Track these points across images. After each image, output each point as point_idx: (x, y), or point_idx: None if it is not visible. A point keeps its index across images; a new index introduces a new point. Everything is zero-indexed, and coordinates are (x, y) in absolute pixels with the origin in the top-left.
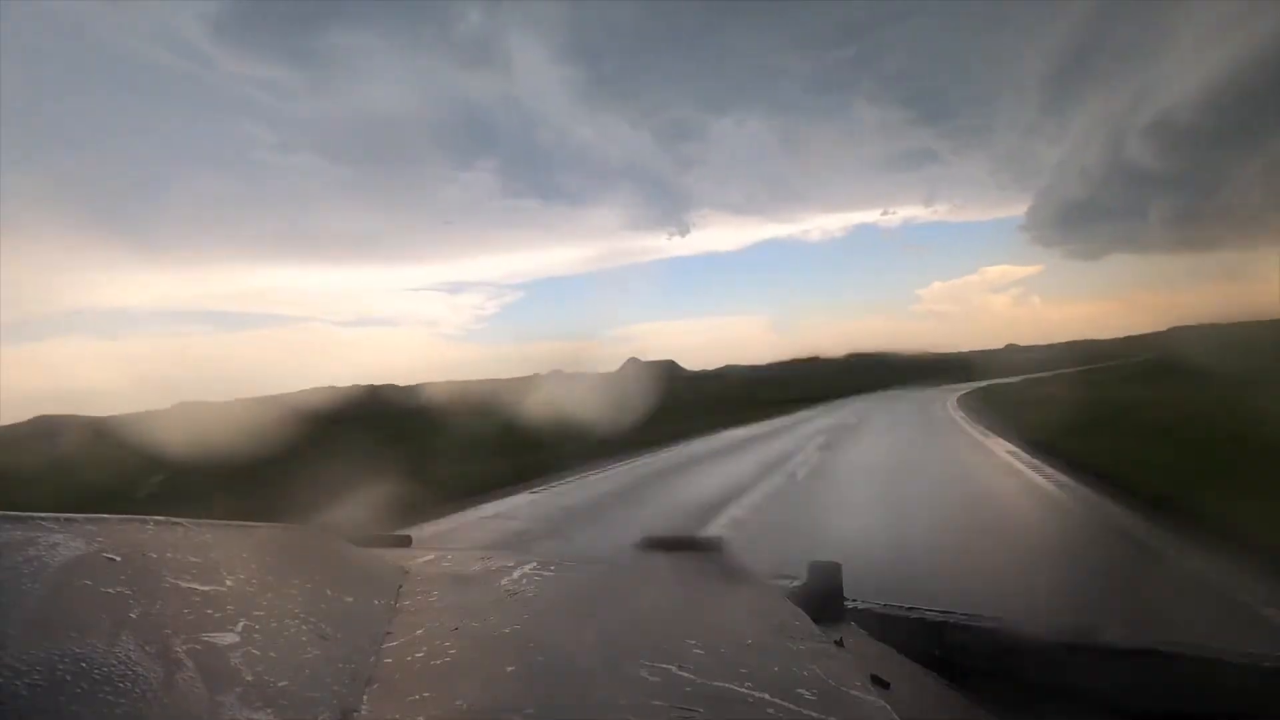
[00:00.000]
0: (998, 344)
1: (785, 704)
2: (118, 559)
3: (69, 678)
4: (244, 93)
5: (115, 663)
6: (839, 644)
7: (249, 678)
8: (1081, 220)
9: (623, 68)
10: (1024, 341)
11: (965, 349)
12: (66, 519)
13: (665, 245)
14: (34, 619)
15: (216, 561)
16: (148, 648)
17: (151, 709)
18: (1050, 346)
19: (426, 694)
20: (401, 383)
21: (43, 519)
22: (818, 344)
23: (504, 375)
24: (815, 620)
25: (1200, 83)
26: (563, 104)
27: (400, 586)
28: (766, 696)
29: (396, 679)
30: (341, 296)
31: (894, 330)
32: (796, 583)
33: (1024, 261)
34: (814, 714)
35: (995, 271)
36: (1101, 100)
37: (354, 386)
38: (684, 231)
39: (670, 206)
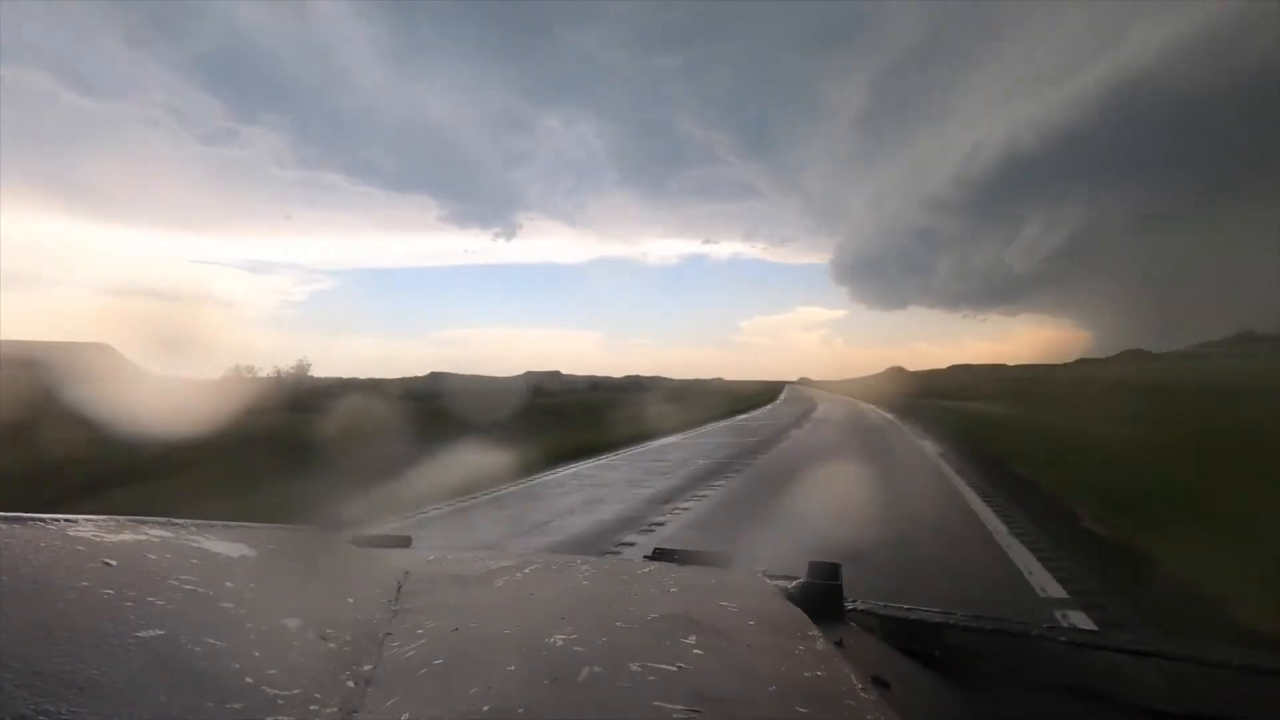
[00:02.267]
0: (793, 377)
1: (785, 704)
2: (117, 560)
3: (69, 678)
4: None
5: (115, 664)
6: (839, 644)
7: (249, 679)
8: (879, 272)
9: (440, 37)
10: (817, 376)
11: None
12: (66, 519)
13: (492, 247)
14: (34, 619)
15: (216, 562)
16: (148, 649)
17: (152, 710)
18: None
19: (427, 694)
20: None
21: (43, 519)
22: (641, 364)
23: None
24: (815, 620)
25: (987, 150)
26: (369, 66)
27: (400, 586)
28: (767, 697)
29: (397, 679)
30: (108, 259)
31: (714, 358)
32: (796, 583)
33: (832, 306)
34: (814, 714)
35: (808, 312)
36: (905, 153)
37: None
38: (510, 234)
39: (497, 205)
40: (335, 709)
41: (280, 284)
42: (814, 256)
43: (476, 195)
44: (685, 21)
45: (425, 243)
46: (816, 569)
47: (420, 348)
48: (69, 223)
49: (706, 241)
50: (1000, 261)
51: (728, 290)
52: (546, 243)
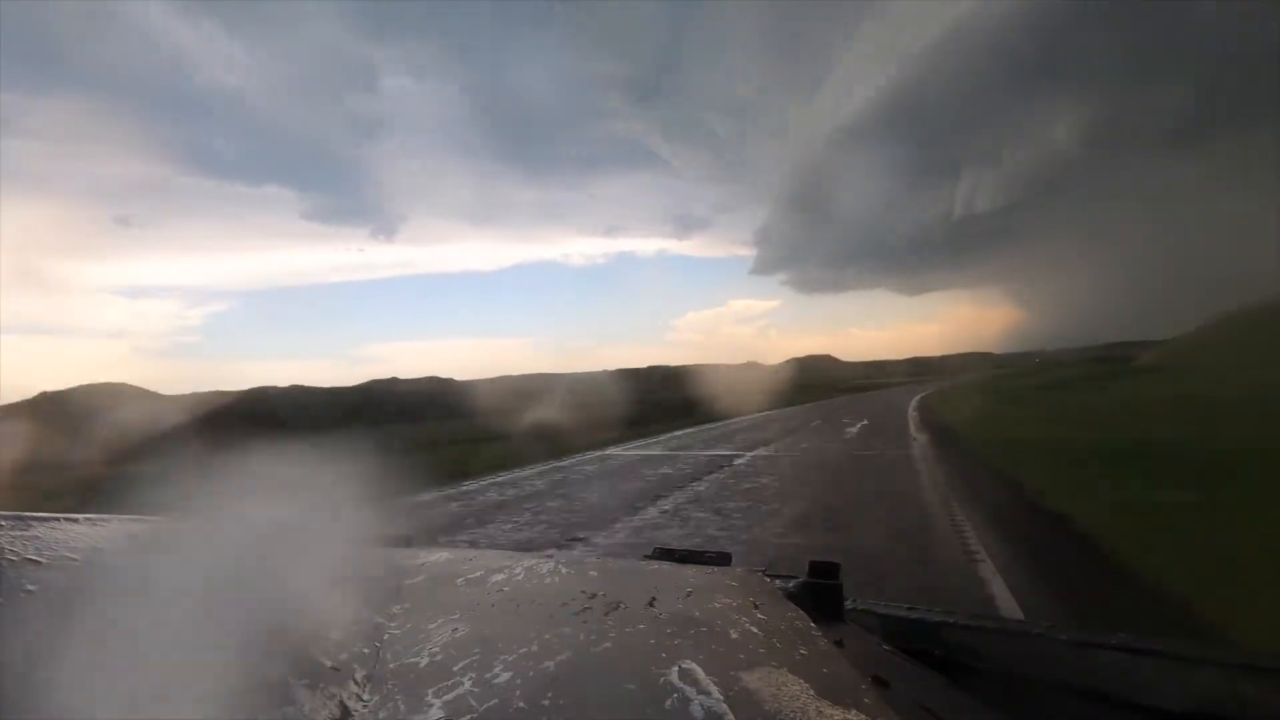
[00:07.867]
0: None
1: (785, 704)
2: (118, 559)
3: (69, 678)
4: None
5: (115, 663)
6: (839, 644)
7: (249, 678)
8: (804, 252)
9: None
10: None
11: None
12: (66, 518)
13: (391, 253)
14: (34, 619)
15: (217, 561)
16: (148, 647)
17: (151, 709)
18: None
19: (427, 694)
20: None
21: (43, 519)
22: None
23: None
24: (815, 620)
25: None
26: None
27: (400, 586)
28: (767, 696)
29: (397, 679)
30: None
31: (654, 358)
32: (796, 582)
33: (765, 296)
34: (814, 714)
35: (741, 305)
36: (830, 73)
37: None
38: (390, 231)
39: (363, 195)
40: (336, 709)
41: (171, 309)
42: (736, 244)
43: (331, 183)
44: None
45: (302, 250)
46: (816, 568)
47: (346, 365)
48: None
49: (612, 231)
50: (937, 223)
51: (657, 288)
52: (455, 248)
